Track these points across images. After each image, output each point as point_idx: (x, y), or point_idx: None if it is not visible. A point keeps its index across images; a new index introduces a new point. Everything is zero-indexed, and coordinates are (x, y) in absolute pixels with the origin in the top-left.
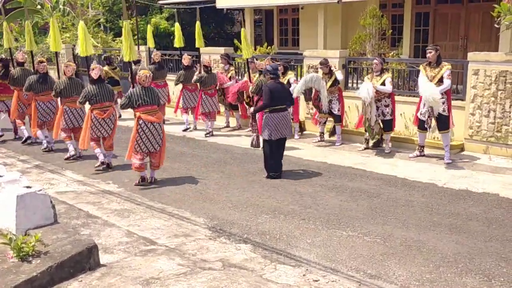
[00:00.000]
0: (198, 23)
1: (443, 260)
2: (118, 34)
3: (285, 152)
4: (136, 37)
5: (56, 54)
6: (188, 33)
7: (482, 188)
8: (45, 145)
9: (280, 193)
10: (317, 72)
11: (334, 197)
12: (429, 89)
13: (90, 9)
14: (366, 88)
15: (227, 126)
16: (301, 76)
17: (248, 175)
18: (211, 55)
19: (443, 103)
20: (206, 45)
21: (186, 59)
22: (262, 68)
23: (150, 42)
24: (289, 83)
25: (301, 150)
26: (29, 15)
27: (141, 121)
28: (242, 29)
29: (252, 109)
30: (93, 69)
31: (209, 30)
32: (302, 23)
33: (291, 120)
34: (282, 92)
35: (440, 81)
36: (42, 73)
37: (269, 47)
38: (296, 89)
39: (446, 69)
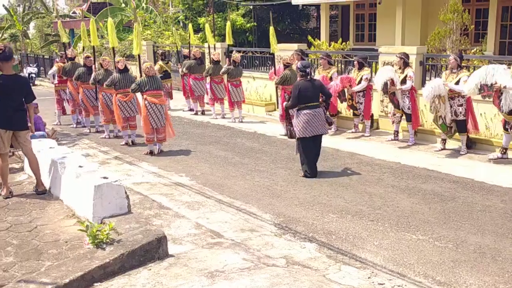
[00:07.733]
0: (228, 23)
1: None
2: (196, 31)
3: (357, 151)
4: (213, 34)
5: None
6: (264, 29)
7: None
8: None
9: (348, 193)
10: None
11: (406, 199)
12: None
13: (170, 6)
14: (431, 86)
15: None
16: (375, 73)
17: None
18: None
19: None
20: (280, 41)
21: (215, 55)
22: (288, 62)
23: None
24: (331, 79)
25: (373, 149)
26: (113, 13)
27: (146, 102)
28: (271, 27)
29: (284, 104)
30: (118, 61)
31: (285, 26)
32: (379, 18)
33: (325, 118)
34: (310, 90)
35: None
36: (89, 66)
37: (343, 43)
38: (375, 81)
39: None
